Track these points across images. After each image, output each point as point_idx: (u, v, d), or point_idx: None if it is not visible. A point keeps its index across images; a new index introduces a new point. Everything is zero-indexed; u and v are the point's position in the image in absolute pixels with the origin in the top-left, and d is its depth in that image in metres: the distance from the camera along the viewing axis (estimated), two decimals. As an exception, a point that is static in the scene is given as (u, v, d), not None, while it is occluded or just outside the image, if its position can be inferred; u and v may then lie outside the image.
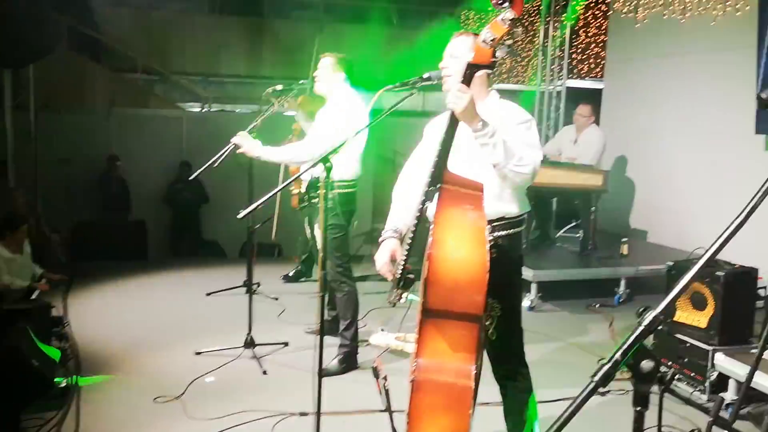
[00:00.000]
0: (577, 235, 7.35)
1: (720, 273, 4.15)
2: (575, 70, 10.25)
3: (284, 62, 10.12)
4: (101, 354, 4.68)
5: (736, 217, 1.05)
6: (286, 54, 10.10)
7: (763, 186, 1.03)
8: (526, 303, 6.04)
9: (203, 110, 10.50)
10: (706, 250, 1.08)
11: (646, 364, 1.04)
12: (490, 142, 2.54)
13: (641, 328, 1.04)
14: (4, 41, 6.10)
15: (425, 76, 2.89)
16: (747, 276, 4.34)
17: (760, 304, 5.04)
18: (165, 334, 5.13)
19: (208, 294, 6.14)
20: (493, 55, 2.50)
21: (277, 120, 5.47)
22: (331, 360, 4.44)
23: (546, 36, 10.28)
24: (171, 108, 10.37)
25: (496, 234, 2.89)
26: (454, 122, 2.53)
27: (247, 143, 4.32)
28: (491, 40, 2.44)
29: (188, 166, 8.77)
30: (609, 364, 1.03)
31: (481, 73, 2.69)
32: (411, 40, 9.92)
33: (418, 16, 10.54)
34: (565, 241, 7.51)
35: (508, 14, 2.43)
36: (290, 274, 6.66)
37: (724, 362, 3.93)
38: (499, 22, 2.44)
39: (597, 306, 6.19)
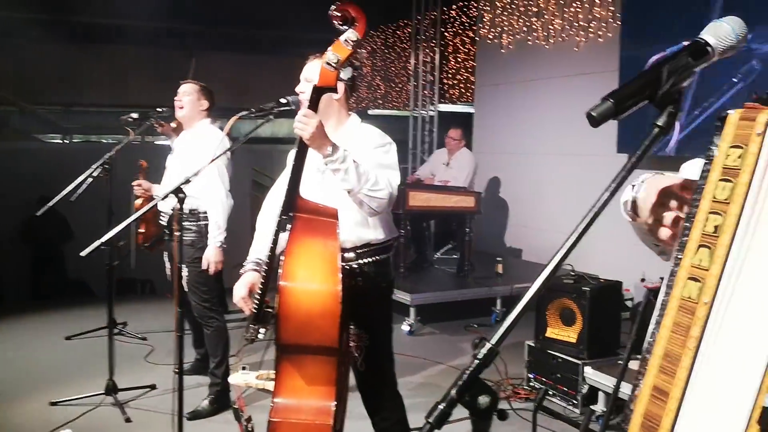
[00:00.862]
0: (454, 256, 7.44)
1: (586, 288, 4.25)
2: (446, 95, 10.45)
3: (150, 90, 9.77)
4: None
5: (585, 217, 1.01)
6: (152, 82, 9.76)
7: (612, 183, 0.99)
8: (405, 327, 6.02)
9: (64, 142, 9.97)
10: (544, 265, 1.02)
11: (483, 400, 0.97)
12: (342, 167, 2.48)
13: (476, 362, 0.96)
14: None
15: (282, 101, 2.80)
16: (612, 290, 4.47)
17: (626, 315, 5.23)
18: (17, 385, 4.69)
19: (68, 338, 5.72)
20: (338, 78, 2.44)
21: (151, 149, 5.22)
22: (202, 401, 4.21)
23: (417, 61, 10.47)
24: (28, 140, 9.77)
25: (361, 261, 2.82)
26: (303, 148, 2.46)
27: (146, 187, 4.29)
28: (335, 62, 2.38)
29: (47, 200, 8.25)
30: (444, 403, 0.95)
31: (332, 96, 2.63)
32: (283, 66, 9.82)
33: (291, 43, 10.47)
34: (442, 263, 7.59)
35: (351, 35, 2.39)
36: None
37: (593, 375, 4.01)
38: (342, 43, 2.39)
39: (475, 326, 6.25)
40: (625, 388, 3.67)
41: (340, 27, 2.44)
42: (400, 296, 5.97)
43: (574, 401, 4.19)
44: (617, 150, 6.55)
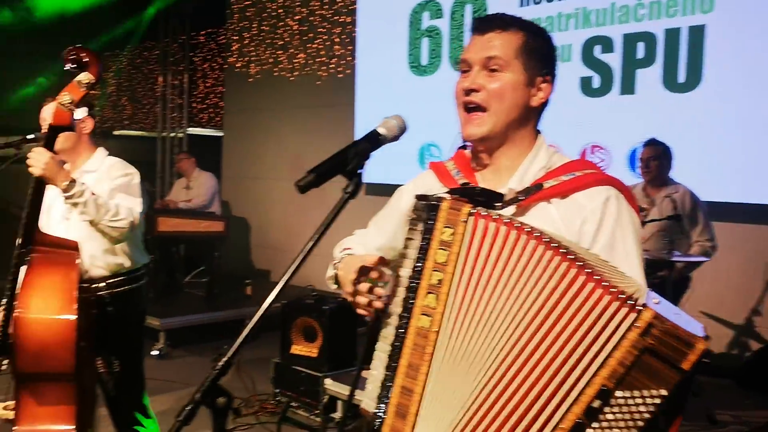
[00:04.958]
0: (204, 280, 7.60)
1: (326, 307, 4.69)
2: (195, 119, 10.56)
3: None
4: None
5: (294, 261, 1.36)
6: None
7: (314, 234, 1.36)
8: (155, 352, 6.06)
9: None
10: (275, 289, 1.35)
11: (221, 400, 1.29)
12: (80, 200, 2.65)
13: (215, 372, 1.27)
14: None
15: (29, 137, 2.89)
16: (350, 308, 4.92)
17: (363, 330, 5.77)
18: None
19: None
20: (72, 117, 2.61)
21: None
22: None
23: (166, 84, 10.47)
24: None
25: (111, 290, 2.97)
26: (40, 183, 2.58)
27: None
28: (69, 102, 2.55)
29: None
30: (190, 405, 1.25)
31: (74, 133, 2.77)
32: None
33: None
34: (192, 287, 7.69)
35: (84, 77, 2.57)
36: None
37: (332, 386, 4.43)
38: (75, 84, 2.56)
39: (225, 348, 6.41)
40: (359, 395, 4.16)
41: (73, 69, 2.61)
42: (150, 321, 6.00)
43: (317, 411, 4.58)
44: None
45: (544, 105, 1.61)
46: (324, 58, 7.81)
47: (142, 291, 3.13)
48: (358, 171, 1.39)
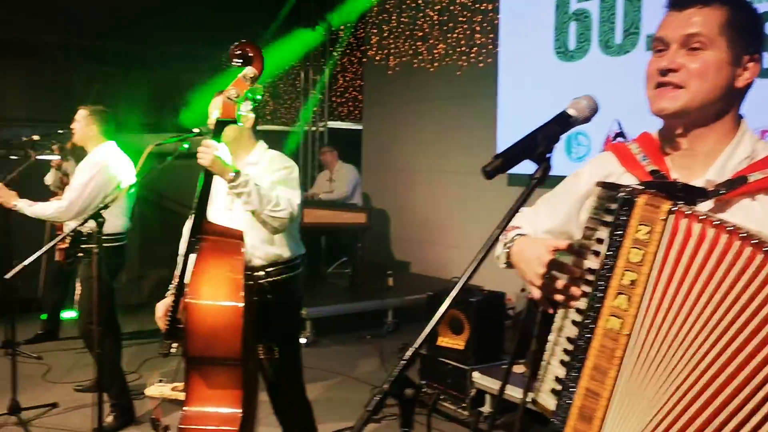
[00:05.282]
0: (346, 270, 7.73)
1: (473, 299, 4.63)
2: (335, 113, 10.76)
3: (29, 105, 9.50)
4: None
5: (480, 251, 1.30)
6: (36, 97, 9.49)
7: (501, 222, 1.30)
8: (303, 340, 6.23)
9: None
10: (458, 283, 1.31)
11: (409, 391, 1.26)
12: (244, 191, 2.73)
13: (403, 362, 1.24)
14: None
15: (195, 131, 3.02)
16: (496, 300, 4.88)
17: (509, 323, 5.67)
18: None
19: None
20: (238, 110, 2.69)
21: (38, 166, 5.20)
22: (106, 417, 4.28)
23: (306, 80, 10.73)
24: None
25: (271, 279, 3.04)
26: (208, 175, 2.69)
27: (3, 194, 4.12)
28: (235, 97, 2.63)
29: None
30: (380, 396, 1.23)
31: (239, 126, 2.86)
32: (176, 83, 9.81)
33: (180, 59, 10.44)
34: (335, 277, 7.85)
35: (249, 72, 2.65)
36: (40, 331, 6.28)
37: (480, 379, 4.37)
38: (241, 79, 2.65)
39: (368, 337, 6.54)
40: (510, 390, 4.07)
41: (239, 64, 2.71)
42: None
43: (463, 404, 4.54)
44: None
45: (748, 86, 1.46)
46: (464, 48, 7.72)
47: (299, 280, 3.19)
48: (547, 156, 1.32)
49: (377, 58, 9.09)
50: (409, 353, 1.25)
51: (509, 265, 1.62)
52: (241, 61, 2.67)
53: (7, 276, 2.82)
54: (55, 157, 5.20)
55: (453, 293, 1.30)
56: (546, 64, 6.29)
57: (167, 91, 9.37)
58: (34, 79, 9.19)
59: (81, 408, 4.58)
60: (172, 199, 7.18)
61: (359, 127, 10.08)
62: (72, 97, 7.41)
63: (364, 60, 9.64)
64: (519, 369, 4.07)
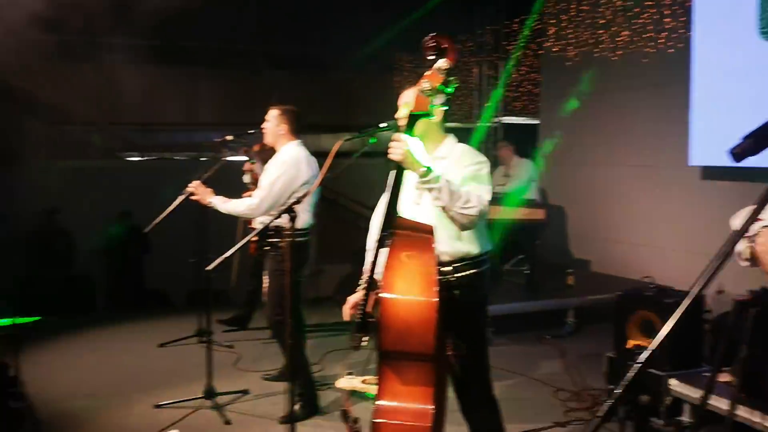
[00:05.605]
0: (524, 268, 7.52)
1: (668, 300, 4.30)
2: (509, 107, 10.56)
3: (221, 110, 10.10)
4: (59, 413, 4.56)
5: (716, 257, 1.14)
6: (223, 101, 10.10)
7: (743, 227, 1.13)
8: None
9: (143, 159, 10.38)
10: (692, 286, 1.15)
11: (644, 398, 1.12)
12: (435, 186, 2.67)
13: (638, 365, 1.11)
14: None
15: (382, 125, 2.99)
16: (694, 302, 4.50)
17: (708, 327, 5.24)
18: (121, 388, 5.02)
19: (161, 345, 6.04)
20: (431, 103, 2.62)
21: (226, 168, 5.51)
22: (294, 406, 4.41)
23: (481, 75, 10.60)
24: (110, 158, 10.22)
25: (458, 274, 2.97)
26: (400, 170, 2.65)
27: (200, 191, 4.36)
28: (429, 90, 2.57)
29: (128, 215, 8.69)
30: (612, 401, 1.10)
31: (429, 120, 2.80)
32: (349, 85, 10.06)
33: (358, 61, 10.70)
34: (512, 275, 7.66)
35: (443, 64, 2.58)
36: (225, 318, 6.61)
37: (677, 387, 4.05)
38: (435, 71, 2.57)
39: (549, 338, 6.32)
40: (713, 401, 3.73)
41: (433, 56, 2.64)
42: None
43: (657, 413, 4.23)
44: (688, 163, 6.58)
45: None
46: (651, 33, 7.25)
47: (486, 276, 3.10)
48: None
49: (554, 49, 8.78)
50: (644, 356, 1.11)
51: (752, 261, 1.43)
52: (435, 53, 2.61)
53: (209, 267, 2.94)
54: (242, 158, 5.47)
55: (686, 301, 1.15)
56: (747, 45, 5.75)
57: (345, 93, 9.64)
58: (220, 85, 9.81)
59: (269, 396, 4.76)
60: (346, 196, 7.32)
61: (534, 121, 9.82)
62: (256, 102, 7.78)
63: (540, 52, 9.36)
64: (724, 377, 3.75)
